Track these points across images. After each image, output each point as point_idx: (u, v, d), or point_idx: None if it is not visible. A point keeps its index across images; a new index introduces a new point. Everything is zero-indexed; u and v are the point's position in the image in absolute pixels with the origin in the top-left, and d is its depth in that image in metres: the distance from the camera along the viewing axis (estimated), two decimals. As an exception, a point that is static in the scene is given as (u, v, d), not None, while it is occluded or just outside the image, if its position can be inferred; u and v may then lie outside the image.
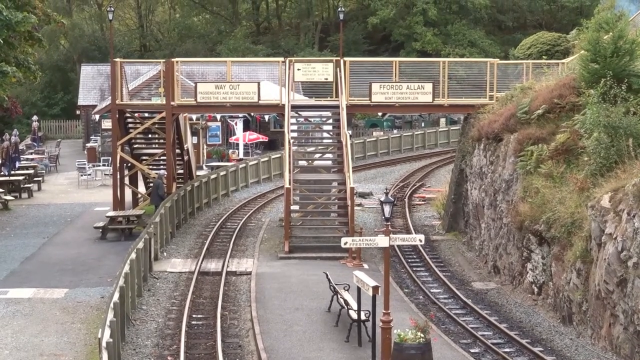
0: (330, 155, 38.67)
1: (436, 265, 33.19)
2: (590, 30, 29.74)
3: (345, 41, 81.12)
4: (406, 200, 46.57)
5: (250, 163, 53.21)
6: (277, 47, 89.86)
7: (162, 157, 42.04)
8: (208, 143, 62.76)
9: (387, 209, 21.32)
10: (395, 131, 75.53)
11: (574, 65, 32.63)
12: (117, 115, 39.24)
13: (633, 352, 21.13)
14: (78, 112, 75.04)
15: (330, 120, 39.29)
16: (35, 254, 34.07)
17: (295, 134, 38.50)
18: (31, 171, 52.01)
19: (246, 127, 64.04)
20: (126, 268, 25.03)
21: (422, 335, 20.95)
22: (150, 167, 43.37)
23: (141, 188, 44.20)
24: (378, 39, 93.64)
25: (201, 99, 38.49)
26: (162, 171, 39.79)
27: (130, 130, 41.17)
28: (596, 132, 25.52)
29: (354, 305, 23.01)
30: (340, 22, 47.18)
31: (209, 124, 62.68)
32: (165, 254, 33.95)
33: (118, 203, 39.43)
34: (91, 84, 71.73)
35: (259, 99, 38.41)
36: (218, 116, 60.86)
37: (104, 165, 55.12)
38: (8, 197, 44.45)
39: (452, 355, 22.53)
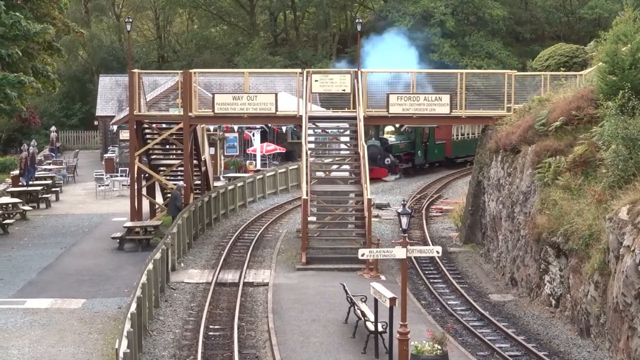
0: (347, 167, 38.66)
1: (453, 277, 33.12)
2: (608, 42, 29.60)
3: (363, 52, 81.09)
4: (423, 211, 46.51)
5: (268, 174, 53.25)
6: (294, 58, 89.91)
7: (179, 168, 42.07)
8: (225, 154, 62.85)
9: (404, 220, 21.31)
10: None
11: (592, 77, 32.52)
12: (134, 126, 39.35)
13: (651, 365, 21.02)
14: (96, 122, 75.24)
15: (348, 132, 39.28)
16: (52, 264, 34.16)
17: (312, 145, 38.51)
18: (49, 182, 52.15)
19: (263, 138, 64.09)
20: (143, 279, 25.07)
21: (439, 347, 20.94)
22: (168, 177, 43.43)
23: (159, 199, 44.27)
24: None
25: (219, 110, 38.54)
26: (180, 182, 39.87)
27: (148, 141, 41.25)
28: (614, 144, 25.43)
29: (371, 316, 22.98)
30: (357, 34, 47.13)
31: (227, 135, 62.79)
32: (182, 264, 34.00)
33: (135, 214, 39.45)
34: (109, 95, 71.93)
35: (276, 110, 38.43)
36: (235, 127, 60.97)
37: (121, 175, 55.25)
38: (26, 208, 44.54)
39: (469, 367, 22.50)
